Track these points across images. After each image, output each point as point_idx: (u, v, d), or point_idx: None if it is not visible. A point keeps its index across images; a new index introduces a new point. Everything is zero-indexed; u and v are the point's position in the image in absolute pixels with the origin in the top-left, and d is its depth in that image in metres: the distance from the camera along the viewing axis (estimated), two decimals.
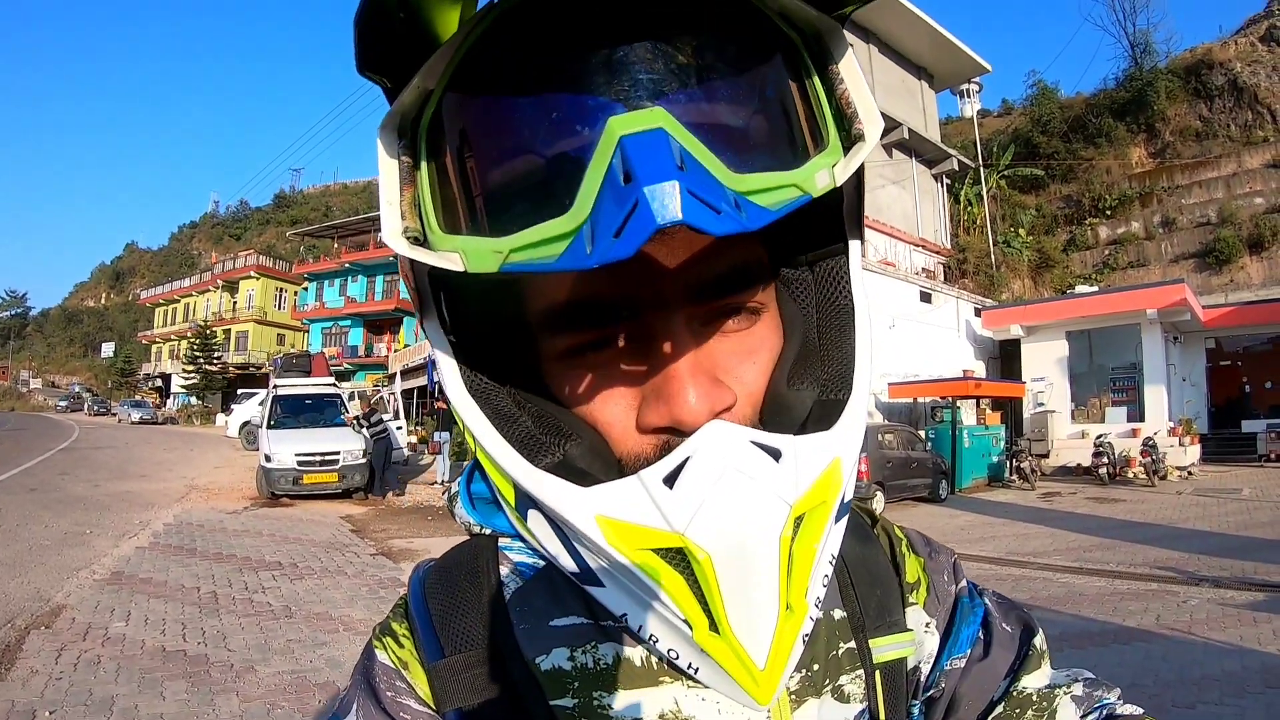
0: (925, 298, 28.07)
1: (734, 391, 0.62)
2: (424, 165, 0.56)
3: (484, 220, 0.52)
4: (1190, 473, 22.26)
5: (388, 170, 0.55)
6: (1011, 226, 38.51)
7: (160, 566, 10.15)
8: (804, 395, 0.67)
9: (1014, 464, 22.15)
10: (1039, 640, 0.84)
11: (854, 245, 0.71)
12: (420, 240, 0.55)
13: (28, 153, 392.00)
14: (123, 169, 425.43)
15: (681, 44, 0.51)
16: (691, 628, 0.57)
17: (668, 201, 0.43)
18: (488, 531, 0.74)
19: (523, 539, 0.69)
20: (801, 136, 0.57)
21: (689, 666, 0.61)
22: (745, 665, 0.58)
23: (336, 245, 59.78)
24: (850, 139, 0.59)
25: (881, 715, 0.74)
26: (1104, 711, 0.78)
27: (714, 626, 0.57)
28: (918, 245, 32.93)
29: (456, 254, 0.52)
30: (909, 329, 25.70)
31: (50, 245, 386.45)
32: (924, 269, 31.90)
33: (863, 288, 0.71)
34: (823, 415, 0.66)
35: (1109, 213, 38.15)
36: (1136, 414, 24.72)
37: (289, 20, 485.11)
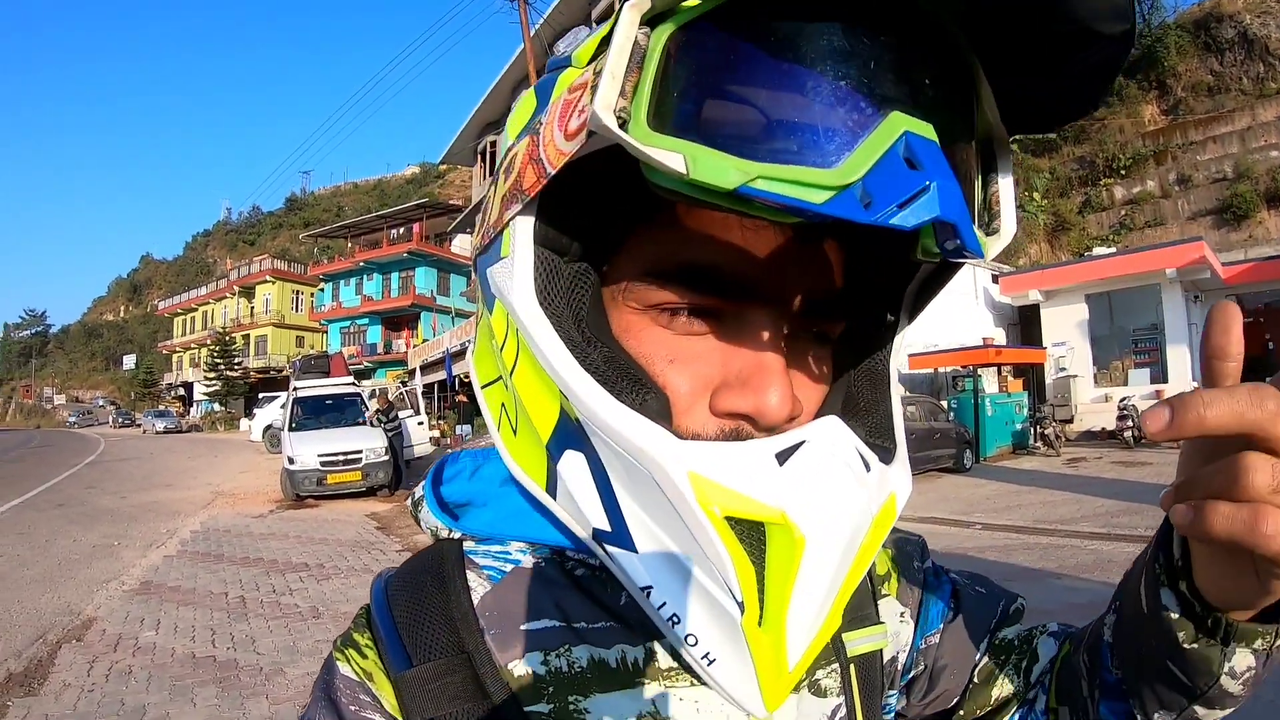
0: None
1: (804, 407, 0.64)
2: (656, 60, 0.51)
3: (721, 138, 0.49)
4: None
5: (622, 46, 0.50)
6: (1026, 190, 38.07)
7: (188, 574, 10.22)
8: (856, 431, 0.67)
9: (1038, 430, 22.02)
10: (1019, 602, 0.91)
11: (904, 322, 0.74)
12: (624, 126, 0.50)
13: (40, 172, 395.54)
14: (134, 182, 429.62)
15: (950, 86, 0.54)
16: (743, 612, 0.56)
17: (953, 199, 0.47)
18: (455, 536, 0.73)
19: (522, 482, 0.66)
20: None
21: (704, 656, 0.59)
22: (778, 663, 0.58)
23: (350, 245, 60.23)
24: (988, 232, 0.61)
25: (857, 707, 0.75)
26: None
27: (761, 619, 0.56)
28: None
29: (680, 155, 0.48)
30: None
31: (66, 262, 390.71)
32: None
33: (895, 360, 0.75)
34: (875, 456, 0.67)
35: (1123, 172, 37.61)
36: (1160, 375, 24.39)
37: (288, 24, 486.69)
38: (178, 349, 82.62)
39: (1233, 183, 32.88)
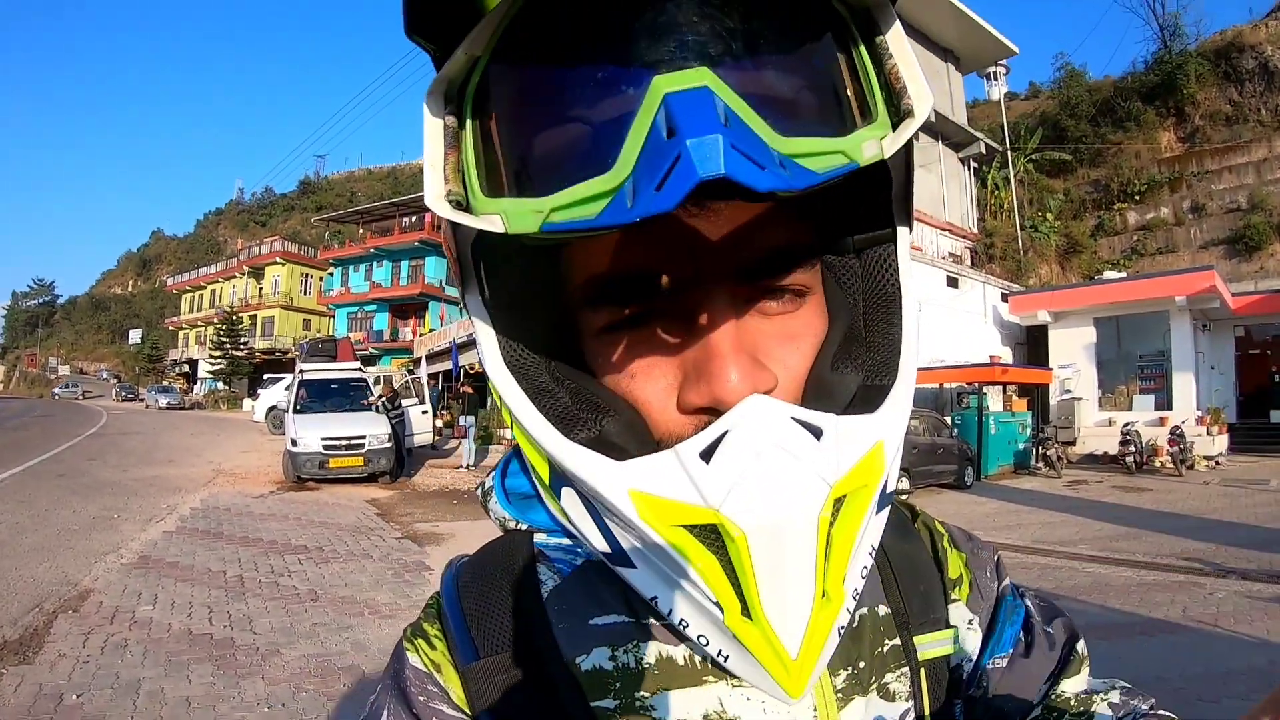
0: (952, 283, 27.82)
1: (775, 374, 0.60)
2: (468, 131, 0.54)
3: (527, 182, 0.51)
4: (1218, 463, 22.05)
5: (432, 134, 0.54)
6: (1039, 211, 38.02)
7: (187, 551, 10.24)
8: (848, 379, 0.65)
9: (1040, 451, 21.98)
10: (1081, 646, 0.84)
11: (902, 232, 0.68)
12: (463, 205, 0.54)
13: (54, 142, 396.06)
14: (148, 157, 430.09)
15: (728, 9, 0.50)
16: (723, 611, 0.56)
17: (710, 154, 0.42)
18: (523, 527, 0.73)
19: (560, 527, 0.68)
20: (849, 108, 0.55)
21: (719, 654, 0.59)
22: (777, 653, 0.57)
23: (361, 231, 60.08)
24: (899, 114, 0.56)
25: (927, 713, 0.73)
26: (1137, 715, 0.77)
27: (746, 611, 0.55)
28: (944, 229, 32.66)
29: (498, 215, 0.51)
30: (935, 314, 25.49)
31: (77, 233, 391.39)
32: (951, 253, 31.63)
33: (910, 275, 0.69)
34: (867, 399, 0.64)
35: (1137, 198, 37.59)
36: (1164, 402, 24.37)
37: (313, 7, 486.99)
38: (184, 326, 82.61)
39: (1246, 213, 32.86)
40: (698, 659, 0.63)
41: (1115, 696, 0.79)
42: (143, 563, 9.50)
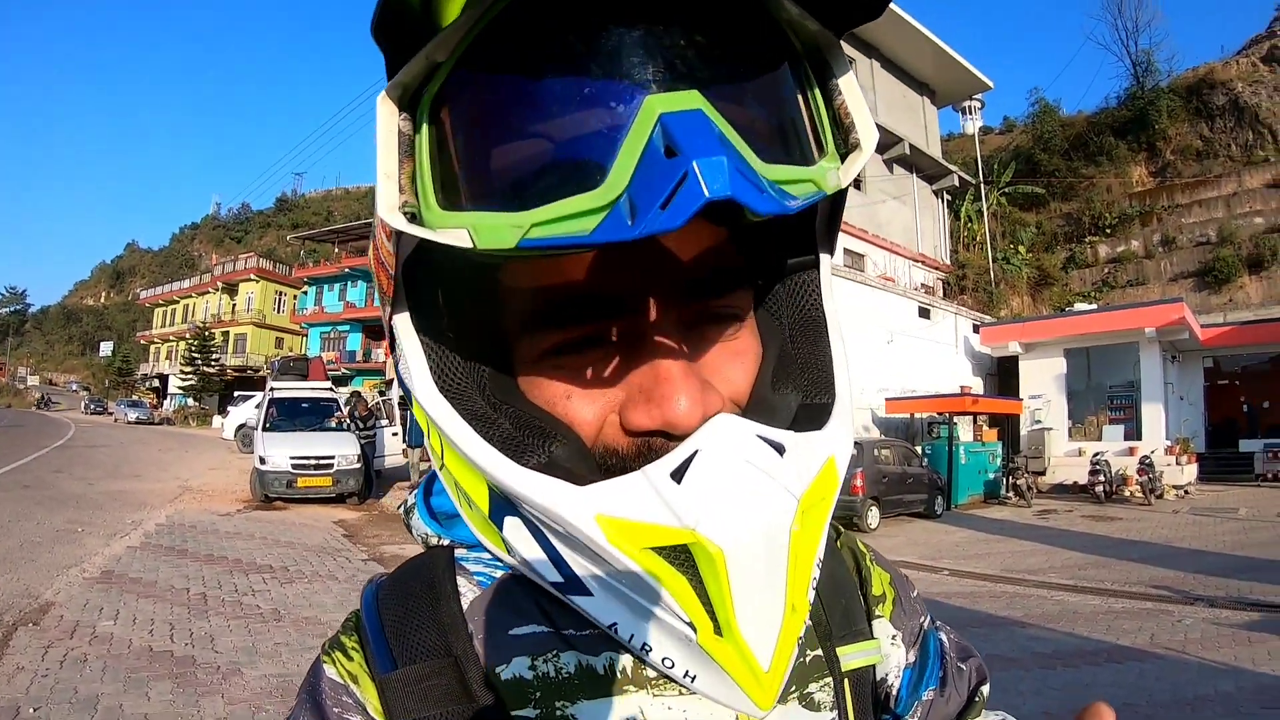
0: (924, 313, 28.12)
1: (721, 395, 0.61)
2: (425, 140, 0.52)
3: (496, 196, 0.50)
4: (1187, 492, 22.32)
5: (386, 142, 0.52)
6: (1011, 243, 38.53)
7: (151, 566, 10.11)
8: (789, 398, 0.67)
9: (1010, 481, 22.14)
10: (985, 690, 0.86)
11: (825, 258, 0.71)
12: (416, 218, 0.52)
13: (30, 149, 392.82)
14: (125, 169, 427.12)
15: (710, 36, 0.51)
16: (695, 630, 0.55)
17: (718, 175, 0.43)
18: (445, 542, 0.72)
19: (489, 550, 0.67)
20: (808, 140, 0.57)
21: (685, 675, 0.59)
22: (751, 668, 0.56)
23: (337, 250, 59.74)
24: (847, 148, 0.59)
25: None
26: None
27: (718, 629, 0.55)
28: (917, 261, 32.99)
29: (464, 230, 0.49)
30: (907, 344, 25.79)
31: (51, 243, 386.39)
32: (923, 284, 31.96)
33: (833, 300, 0.72)
34: (809, 417, 0.66)
35: (1109, 231, 38.21)
36: (1134, 432, 24.69)
37: (293, 24, 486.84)
38: (156, 340, 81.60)
39: (1216, 246, 33.53)
40: (618, 668, 0.63)
41: None
42: (105, 577, 9.36)
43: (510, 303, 0.61)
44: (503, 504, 0.60)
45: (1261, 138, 38.97)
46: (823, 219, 0.70)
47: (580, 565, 0.58)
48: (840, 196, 0.65)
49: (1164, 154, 41.17)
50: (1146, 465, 20.79)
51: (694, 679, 0.59)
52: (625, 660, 0.63)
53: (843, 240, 26.91)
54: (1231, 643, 7.64)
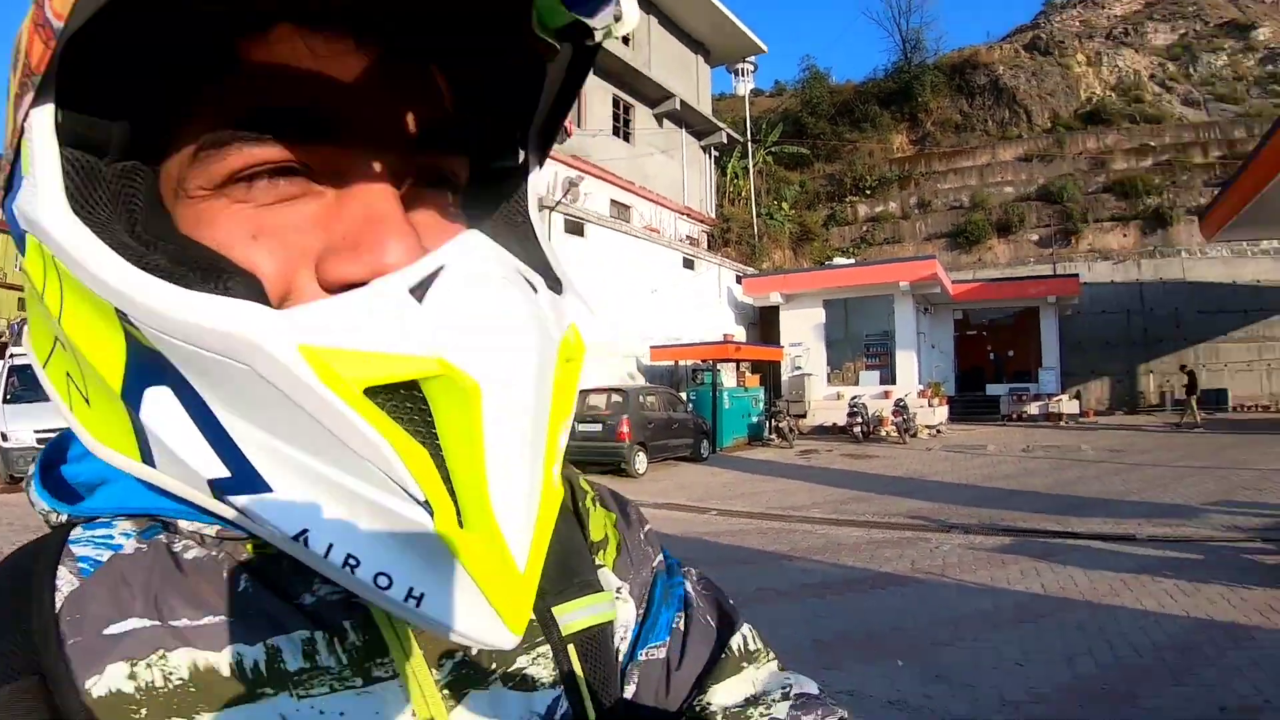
0: (689, 264, 28.35)
1: None
2: None
3: None
4: (939, 431, 23.86)
5: None
6: (775, 200, 39.35)
7: None
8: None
9: (773, 424, 22.80)
10: (736, 641, 0.70)
11: (535, 172, 0.62)
12: None
13: None
14: None
15: None
16: (433, 514, 0.42)
17: None
18: (64, 519, 0.52)
19: (112, 463, 0.48)
20: None
21: (407, 597, 0.43)
22: (504, 567, 0.43)
23: None
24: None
25: (585, 696, 0.59)
26: None
27: (460, 517, 0.42)
28: (683, 214, 33.09)
29: None
30: (672, 294, 25.98)
31: None
32: (688, 236, 32.12)
33: (538, 221, 0.62)
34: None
35: (869, 192, 39.80)
36: (889, 377, 26.20)
37: None
38: None
39: (968, 211, 35.81)
40: (249, 667, 0.47)
41: (782, 710, 0.64)
42: None
43: (202, 114, 0.46)
44: (146, 369, 0.44)
45: (1017, 116, 42.40)
46: (541, 119, 0.60)
47: (259, 444, 0.43)
48: (561, 96, 0.58)
49: (925, 125, 43.85)
50: (901, 407, 21.97)
51: (420, 600, 0.43)
52: (257, 654, 0.48)
53: (609, 191, 26.85)
54: (987, 565, 8.15)
